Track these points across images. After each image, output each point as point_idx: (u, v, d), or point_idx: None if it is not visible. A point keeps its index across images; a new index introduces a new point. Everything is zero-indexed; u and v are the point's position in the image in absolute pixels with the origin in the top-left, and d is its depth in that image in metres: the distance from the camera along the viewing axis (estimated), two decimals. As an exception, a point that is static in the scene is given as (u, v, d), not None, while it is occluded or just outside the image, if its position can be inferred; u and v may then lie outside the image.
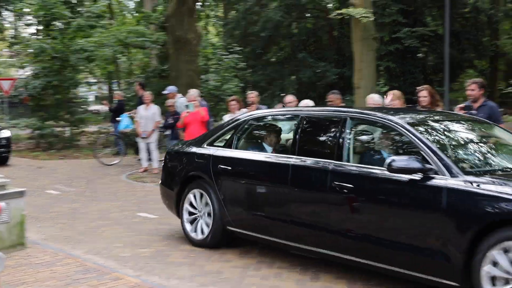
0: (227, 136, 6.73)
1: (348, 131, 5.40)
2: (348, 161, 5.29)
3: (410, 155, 4.79)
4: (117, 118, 15.43)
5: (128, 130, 14.91)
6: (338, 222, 5.21)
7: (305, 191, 5.55)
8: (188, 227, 6.81)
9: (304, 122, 5.89)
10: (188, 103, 11.32)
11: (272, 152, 6.35)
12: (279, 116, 6.81)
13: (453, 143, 5.24)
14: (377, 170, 5.00)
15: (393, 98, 8.09)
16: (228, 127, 6.78)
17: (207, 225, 6.55)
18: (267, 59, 29.36)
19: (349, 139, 5.39)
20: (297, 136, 5.85)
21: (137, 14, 27.61)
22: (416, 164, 4.64)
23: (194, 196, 6.71)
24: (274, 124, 6.78)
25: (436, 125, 5.37)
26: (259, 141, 6.61)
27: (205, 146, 6.80)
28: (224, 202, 6.33)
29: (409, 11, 27.53)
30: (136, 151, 14.52)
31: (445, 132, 5.34)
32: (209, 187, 6.49)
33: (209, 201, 6.48)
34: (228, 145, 6.61)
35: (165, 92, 13.67)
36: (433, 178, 4.62)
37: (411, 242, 4.67)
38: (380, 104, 8.68)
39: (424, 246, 4.59)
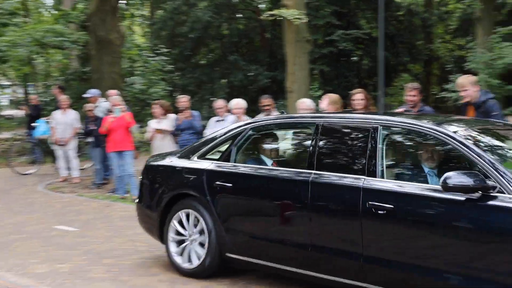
0: (223, 148, 6.11)
1: (380, 142, 4.90)
2: (382, 177, 4.79)
3: (461, 170, 4.33)
4: (33, 124, 15.03)
5: (46, 137, 14.55)
6: (374, 249, 4.67)
7: (330, 212, 5.01)
8: (176, 254, 6.07)
9: (322, 131, 5.32)
10: (114, 108, 11.16)
11: (279, 166, 5.90)
12: (287, 124, 6.10)
13: (509, 154, 4.77)
14: (424, 188, 4.54)
15: (329, 102, 8.26)
16: (223, 137, 6.13)
17: (200, 252, 5.88)
18: (196, 62, 29.30)
19: (382, 151, 4.88)
20: (314, 148, 5.27)
21: (55, 11, 26.98)
22: (477, 181, 4.15)
23: (183, 218, 6.02)
24: (281, 133, 6.28)
25: (481, 134, 4.89)
26: (265, 153, 6.09)
27: (195, 159, 6.15)
28: (223, 224, 5.68)
29: (343, 13, 28.14)
30: (54, 160, 14.19)
31: (494, 142, 4.92)
32: (203, 207, 5.82)
33: (203, 224, 5.81)
34: (225, 158, 5.97)
35: (86, 95, 13.43)
36: (495, 197, 4.15)
37: (469, 272, 4.18)
38: (312, 109, 8.86)
39: (493, 279, 4.08)
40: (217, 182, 5.75)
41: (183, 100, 10.63)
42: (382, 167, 4.81)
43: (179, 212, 6.04)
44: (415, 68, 34.87)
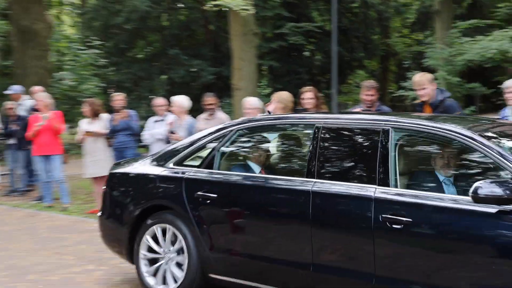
0: (204, 153, 5.80)
1: (392, 146, 4.70)
2: (396, 186, 4.59)
3: (486, 178, 4.20)
4: None
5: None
6: (388, 269, 4.48)
7: (335, 227, 4.78)
8: (147, 274, 5.71)
9: (324, 134, 5.09)
10: (40, 115, 10.88)
11: (271, 173, 5.63)
12: (281, 126, 5.80)
13: None
14: (445, 199, 4.38)
15: (278, 100, 8.25)
16: (204, 140, 5.82)
17: (178, 273, 5.55)
18: (133, 56, 29.01)
19: (395, 157, 4.68)
20: (314, 153, 5.04)
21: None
22: (510, 191, 4.00)
23: (158, 234, 5.67)
24: (273, 136, 6.00)
25: (503, 136, 4.75)
26: (255, 159, 5.79)
27: (171, 166, 5.85)
28: (206, 241, 5.38)
29: (293, 4, 28.34)
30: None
31: None
32: (181, 221, 5.52)
33: (182, 241, 5.49)
34: (207, 164, 5.66)
35: (8, 92, 13.12)
36: None
37: None
38: (259, 108, 8.88)
39: None
40: (199, 193, 5.45)
41: (119, 98, 10.50)
42: (396, 175, 4.62)
43: (154, 227, 5.69)
44: (371, 65, 35.44)
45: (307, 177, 4.99)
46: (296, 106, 8.37)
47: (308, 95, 8.16)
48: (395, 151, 4.68)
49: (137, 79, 26.96)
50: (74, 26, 34.43)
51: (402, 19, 34.32)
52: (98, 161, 10.42)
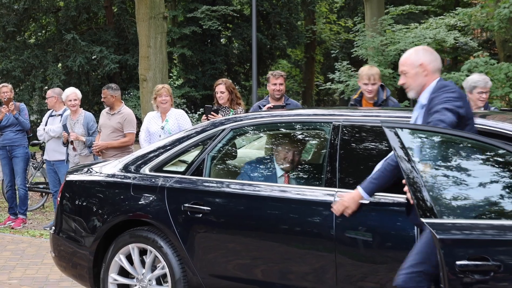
0: (190, 156, 5.49)
1: None
2: None
3: None
4: None
5: None
6: None
7: (366, 246, 4.51)
8: None
9: (344, 134, 4.83)
10: None
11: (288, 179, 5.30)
12: (286, 124, 5.45)
13: None
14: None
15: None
16: (188, 142, 5.50)
17: None
18: (23, 41, 28.32)
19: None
20: (334, 157, 4.79)
21: None
22: None
23: (134, 255, 5.38)
24: (278, 135, 5.69)
25: None
26: (258, 164, 5.48)
27: (146, 172, 5.52)
28: (196, 264, 5.05)
29: (208, -16, 28.37)
30: None
31: None
32: (164, 240, 5.19)
33: (162, 263, 5.19)
34: (195, 170, 5.30)
35: None
36: None
37: None
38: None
39: None
40: (187, 205, 5.10)
41: (5, 89, 10.24)
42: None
43: (130, 246, 5.37)
44: (295, 54, 35.86)
45: (327, 186, 4.74)
46: (209, 102, 8.39)
47: (220, 88, 8.18)
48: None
49: (28, 67, 26.32)
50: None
51: (329, 4, 34.87)
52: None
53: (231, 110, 8.10)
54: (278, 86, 7.98)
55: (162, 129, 8.12)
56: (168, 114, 8.28)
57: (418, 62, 4.47)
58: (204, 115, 7.89)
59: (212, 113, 7.74)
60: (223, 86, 8.16)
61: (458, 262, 3.54)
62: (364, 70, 7.44)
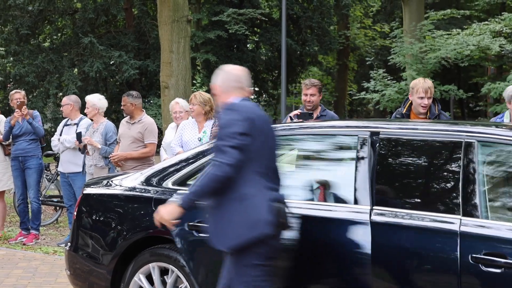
0: None
1: (478, 165, 4.50)
2: (486, 216, 4.35)
3: None
4: None
5: None
6: None
7: (406, 269, 4.50)
8: None
9: (382, 148, 4.86)
10: None
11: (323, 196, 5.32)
12: (322, 135, 5.40)
13: None
14: None
15: (195, 102, 8.38)
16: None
17: None
18: (38, 44, 28.61)
19: (483, 179, 4.48)
20: (370, 172, 4.80)
21: None
22: None
23: (155, 275, 5.40)
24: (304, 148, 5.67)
25: None
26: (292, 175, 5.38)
27: (170, 185, 5.55)
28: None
29: (235, -14, 28.46)
30: None
31: None
32: (187, 260, 5.18)
33: (185, 283, 5.19)
34: None
35: None
36: None
37: None
38: (187, 112, 8.98)
39: None
40: None
41: (18, 96, 10.32)
42: (486, 203, 4.39)
43: (150, 265, 5.41)
44: (326, 60, 35.80)
45: (360, 204, 4.75)
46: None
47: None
48: (482, 172, 4.48)
49: (42, 73, 26.56)
50: (-36, 6, 33.80)
51: (364, 7, 34.82)
52: (-8, 173, 10.27)
53: None
54: (309, 97, 7.94)
55: (200, 140, 8.14)
56: (206, 125, 8.33)
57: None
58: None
59: None
60: None
61: None
62: (420, 83, 7.34)
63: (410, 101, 7.42)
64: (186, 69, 17.08)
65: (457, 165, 4.57)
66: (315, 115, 7.92)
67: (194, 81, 20.71)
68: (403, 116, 7.42)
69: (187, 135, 8.30)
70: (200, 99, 8.42)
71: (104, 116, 9.78)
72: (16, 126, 9.97)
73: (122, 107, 9.25)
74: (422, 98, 7.18)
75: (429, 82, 7.38)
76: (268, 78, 32.77)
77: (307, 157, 5.67)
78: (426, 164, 4.83)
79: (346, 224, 4.75)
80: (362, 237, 4.60)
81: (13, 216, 11.90)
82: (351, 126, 5.36)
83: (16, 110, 9.92)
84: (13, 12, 26.93)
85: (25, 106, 10.01)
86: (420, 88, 7.24)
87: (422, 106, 7.21)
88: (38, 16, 27.49)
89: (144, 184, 5.72)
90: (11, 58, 26.48)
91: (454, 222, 4.36)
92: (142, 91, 26.02)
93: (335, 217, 4.80)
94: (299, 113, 7.72)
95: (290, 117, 7.86)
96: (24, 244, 9.96)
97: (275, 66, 30.91)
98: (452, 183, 4.59)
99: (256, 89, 32.84)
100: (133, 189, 5.76)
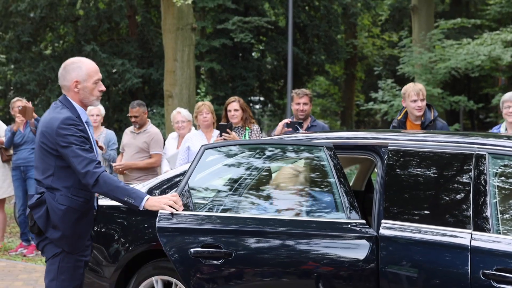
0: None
1: (489, 177, 4.54)
2: (498, 230, 4.37)
3: None
4: None
5: None
6: None
7: (416, 284, 4.52)
8: None
9: (391, 159, 4.90)
10: None
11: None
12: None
13: None
14: None
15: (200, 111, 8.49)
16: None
17: None
18: (39, 51, 28.70)
19: (495, 192, 4.51)
20: (381, 186, 4.88)
21: None
22: None
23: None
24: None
25: None
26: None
27: None
28: None
29: (240, -7, 28.50)
30: None
31: None
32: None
33: None
34: None
35: None
36: None
37: None
38: (190, 121, 9.04)
39: None
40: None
41: (19, 103, 10.37)
42: (497, 217, 4.41)
43: (153, 278, 5.47)
44: (333, 70, 35.84)
45: (363, 217, 4.80)
46: (221, 120, 8.46)
47: (233, 106, 8.31)
48: (493, 184, 4.52)
49: (43, 81, 26.64)
50: (-36, 13, 33.92)
51: (372, 16, 34.88)
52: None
53: (247, 128, 8.20)
54: (302, 106, 8.05)
55: None
56: (214, 135, 8.38)
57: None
58: (218, 135, 7.95)
59: (227, 130, 7.80)
60: (236, 104, 8.29)
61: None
62: (410, 86, 7.52)
63: (406, 108, 7.52)
64: (190, 78, 17.14)
65: (467, 177, 4.59)
66: (305, 126, 8.00)
67: (198, 90, 20.72)
68: (399, 123, 7.52)
69: (196, 146, 8.34)
70: (211, 108, 8.49)
71: (106, 126, 9.85)
72: (17, 134, 10.01)
73: (134, 119, 9.22)
74: (415, 101, 7.34)
75: (419, 85, 7.52)
76: (274, 88, 32.79)
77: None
78: (436, 176, 4.83)
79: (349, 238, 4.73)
80: (367, 250, 4.63)
81: (13, 227, 11.93)
82: (359, 138, 5.38)
83: (18, 115, 9.93)
84: (15, 19, 27.02)
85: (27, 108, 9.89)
86: (412, 91, 7.39)
87: (417, 109, 7.34)
88: (40, 23, 27.57)
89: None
90: (12, 66, 26.54)
91: (465, 236, 4.38)
92: (145, 100, 26.05)
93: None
94: (289, 122, 7.79)
95: (287, 123, 7.86)
96: (24, 256, 10.00)
97: (281, 75, 30.94)
98: (463, 195, 4.59)
99: (262, 98, 32.86)
100: None
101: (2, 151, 10.32)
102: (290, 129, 7.69)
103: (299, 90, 8.27)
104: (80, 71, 5.03)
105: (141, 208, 4.82)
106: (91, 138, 5.02)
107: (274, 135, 7.76)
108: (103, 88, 5.14)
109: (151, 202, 4.86)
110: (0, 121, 10.84)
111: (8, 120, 10.58)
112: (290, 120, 7.88)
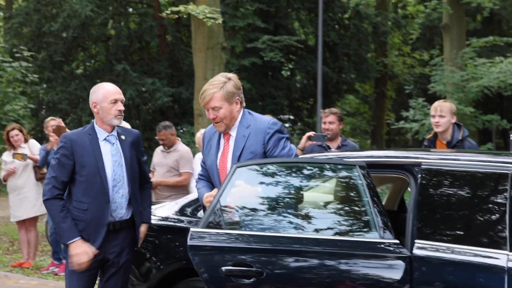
0: None
1: None
2: None
3: None
4: None
5: None
6: None
7: None
8: None
9: (424, 178, 4.87)
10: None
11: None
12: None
13: None
14: None
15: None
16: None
17: None
18: (71, 71, 28.94)
19: None
20: (413, 204, 4.88)
21: None
22: None
23: None
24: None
25: None
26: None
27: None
28: None
29: (270, 13, 28.56)
30: None
31: None
32: None
33: None
34: None
35: None
36: None
37: None
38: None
39: None
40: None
41: (54, 122, 10.46)
42: None
43: None
44: (363, 89, 35.75)
45: (397, 238, 4.73)
46: None
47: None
48: None
49: (75, 100, 26.85)
50: (-2, 33, 34.31)
51: (402, 35, 34.77)
52: (26, 199, 10.41)
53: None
54: (328, 125, 8.02)
55: None
56: None
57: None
58: None
59: None
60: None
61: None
62: (435, 103, 7.51)
63: None
64: (220, 97, 17.16)
65: (503, 196, 4.54)
66: (335, 145, 7.95)
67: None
68: (429, 142, 7.51)
69: None
70: None
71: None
72: (51, 153, 10.09)
73: (162, 141, 9.30)
74: (433, 116, 7.35)
75: (439, 102, 7.51)
76: (304, 106, 32.76)
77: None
78: (470, 195, 4.78)
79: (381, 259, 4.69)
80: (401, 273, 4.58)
81: (44, 245, 11.99)
82: (393, 157, 5.35)
83: (51, 135, 10.03)
84: (48, 39, 27.32)
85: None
86: (432, 107, 7.44)
87: (435, 125, 7.34)
88: (72, 43, 27.83)
89: (178, 214, 5.82)
90: (44, 85, 26.79)
91: (501, 257, 4.32)
92: (175, 119, 26.17)
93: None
94: (312, 135, 7.79)
95: (310, 136, 7.83)
96: (56, 274, 10.04)
97: (310, 94, 30.91)
98: (498, 215, 4.55)
99: (291, 117, 32.84)
100: (167, 219, 5.85)
101: (36, 169, 10.43)
102: (314, 142, 7.70)
103: (327, 109, 8.27)
104: (98, 94, 5.55)
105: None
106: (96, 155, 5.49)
107: (298, 148, 7.77)
108: (120, 107, 5.54)
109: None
110: (34, 140, 10.96)
111: (40, 139, 10.69)
112: (314, 133, 7.88)
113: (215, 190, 5.11)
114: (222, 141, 5.31)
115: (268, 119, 5.33)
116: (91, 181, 5.41)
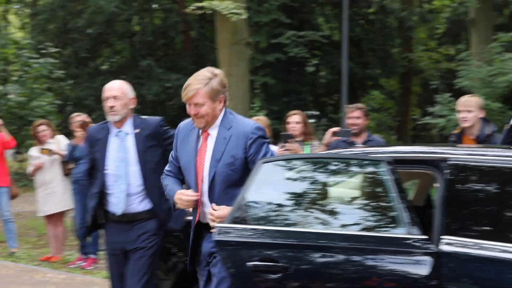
0: None
1: None
2: None
3: None
4: None
5: None
6: None
7: None
8: None
9: (451, 174, 4.81)
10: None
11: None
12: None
13: None
14: None
15: None
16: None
17: None
18: (96, 67, 29.12)
19: None
20: (444, 199, 4.78)
21: None
22: None
23: None
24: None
25: None
26: None
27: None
28: None
29: (294, 8, 28.51)
30: None
31: None
32: None
33: None
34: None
35: None
36: None
37: None
38: None
39: None
40: None
41: (79, 118, 10.55)
42: None
43: None
44: (389, 84, 35.60)
45: (429, 234, 4.65)
46: (281, 131, 8.42)
47: (295, 119, 8.32)
48: None
49: (100, 96, 26.94)
50: (24, 29, 34.54)
51: (428, 29, 34.60)
52: (53, 194, 10.49)
53: (306, 143, 8.15)
54: (353, 120, 8.03)
55: None
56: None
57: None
58: (279, 146, 7.79)
59: (288, 140, 7.68)
60: (298, 116, 8.28)
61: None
62: (460, 99, 7.47)
63: None
64: (244, 92, 17.22)
65: None
66: (361, 140, 7.94)
67: (252, 105, 20.75)
68: (456, 137, 7.47)
69: None
70: (266, 123, 8.44)
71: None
72: (78, 149, 10.18)
73: None
74: (459, 112, 7.31)
75: (465, 97, 7.48)
76: (328, 102, 32.68)
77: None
78: (498, 191, 4.74)
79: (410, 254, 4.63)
80: (426, 268, 4.54)
81: (70, 239, 12.08)
82: (420, 152, 5.33)
83: (77, 130, 10.16)
84: (73, 35, 27.50)
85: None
86: (458, 103, 7.42)
87: (462, 121, 7.28)
88: (97, 39, 28.01)
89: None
90: (70, 81, 27.03)
91: None
92: (200, 115, 26.18)
93: None
94: (338, 130, 7.83)
95: (332, 131, 7.86)
96: (83, 269, 10.12)
97: (335, 90, 30.81)
98: None
99: (316, 112, 32.81)
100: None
101: (63, 165, 10.52)
102: (339, 137, 7.71)
103: (353, 104, 8.27)
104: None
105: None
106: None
107: (323, 144, 7.78)
108: (110, 103, 6.06)
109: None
110: (62, 135, 11.06)
111: (66, 135, 10.83)
112: (339, 128, 7.88)
113: (190, 191, 5.10)
114: (200, 139, 5.22)
115: (251, 123, 5.20)
116: (97, 176, 6.01)
